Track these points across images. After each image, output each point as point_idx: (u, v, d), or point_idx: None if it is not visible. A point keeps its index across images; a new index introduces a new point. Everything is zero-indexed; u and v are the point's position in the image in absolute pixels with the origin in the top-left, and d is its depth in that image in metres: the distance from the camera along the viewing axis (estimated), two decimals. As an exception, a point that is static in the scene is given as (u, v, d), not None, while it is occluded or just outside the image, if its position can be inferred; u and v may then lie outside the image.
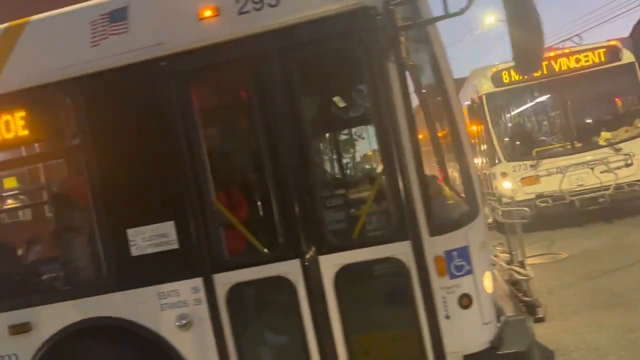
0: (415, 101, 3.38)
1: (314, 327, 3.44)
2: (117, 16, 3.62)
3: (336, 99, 4.93)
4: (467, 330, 3.34)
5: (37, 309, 3.73)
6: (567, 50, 11.20)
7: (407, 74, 3.29)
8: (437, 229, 3.31)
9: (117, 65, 3.57)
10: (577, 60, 10.87)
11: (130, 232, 3.60)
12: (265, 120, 3.49)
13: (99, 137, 3.65)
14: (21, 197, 5.93)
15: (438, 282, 3.30)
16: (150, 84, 3.57)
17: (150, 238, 3.58)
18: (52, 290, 3.98)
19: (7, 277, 4.03)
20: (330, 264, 3.43)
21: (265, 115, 3.48)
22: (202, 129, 3.59)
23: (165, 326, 3.59)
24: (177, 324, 3.57)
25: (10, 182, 6.40)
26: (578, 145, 10.74)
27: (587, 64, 10.81)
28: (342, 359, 3.42)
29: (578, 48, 11.42)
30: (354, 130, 6.91)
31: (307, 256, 3.44)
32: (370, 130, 3.66)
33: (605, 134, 10.59)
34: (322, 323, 3.43)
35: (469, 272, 3.34)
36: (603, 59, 10.77)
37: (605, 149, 10.24)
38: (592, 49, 10.96)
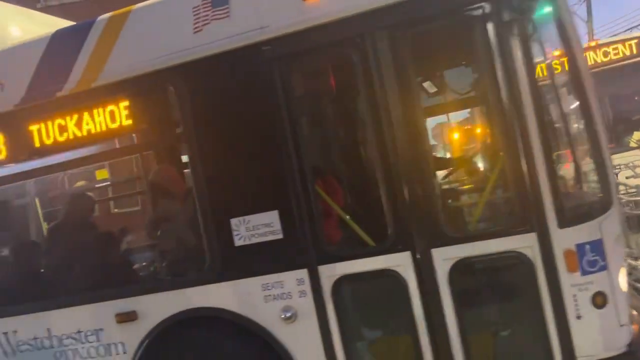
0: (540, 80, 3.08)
1: (427, 324, 3.22)
2: (219, 1, 3.53)
3: (449, 79, 4.66)
4: (602, 332, 3.01)
5: (143, 298, 3.74)
6: (593, 44, 9.97)
7: (533, 50, 3.00)
8: (567, 220, 2.99)
9: (220, 51, 3.49)
10: (606, 54, 9.61)
11: (234, 222, 3.52)
12: (373, 103, 3.29)
13: (202, 125, 3.59)
14: (117, 187, 6.09)
15: (568, 279, 3.00)
16: (253, 69, 3.46)
17: (254, 228, 3.49)
18: (157, 279, 3.99)
19: (113, 266, 4.07)
20: (444, 258, 3.19)
21: (373, 98, 3.29)
22: (305, 114, 3.45)
23: (269, 318, 3.49)
24: (281, 316, 3.46)
25: (102, 174, 6.57)
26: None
27: (617, 57, 9.55)
28: (458, 361, 3.20)
29: (606, 40, 10.21)
30: (467, 112, 6.49)
31: (419, 249, 3.23)
32: (489, 111, 3.36)
33: (637, 134, 9.34)
34: (436, 321, 3.21)
35: (603, 267, 3.00)
36: (635, 52, 9.48)
37: (637, 151, 8.90)
38: (623, 41, 9.71)
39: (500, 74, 3.03)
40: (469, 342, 3.19)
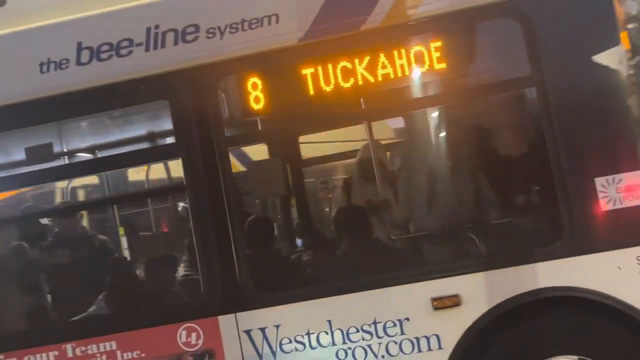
0: None
1: None
2: None
3: None
4: None
5: (468, 278, 3.01)
6: None
7: None
8: None
9: None
10: None
11: (600, 182, 2.93)
12: None
13: (559, 67, 3.01)
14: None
15: None
16: None
17: (628, 188, 2.91)
18: (487, 255, 3.26)
19: (426, 239, 3.30)
20: None
21: None
22: None
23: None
24: (672, 296, 2.85)
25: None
26: None
27: None
28: None
29: None
30: None
31: None
32: None
33: None
34: None
35: None
36: None
37: None
38: None
39: None
40: None
